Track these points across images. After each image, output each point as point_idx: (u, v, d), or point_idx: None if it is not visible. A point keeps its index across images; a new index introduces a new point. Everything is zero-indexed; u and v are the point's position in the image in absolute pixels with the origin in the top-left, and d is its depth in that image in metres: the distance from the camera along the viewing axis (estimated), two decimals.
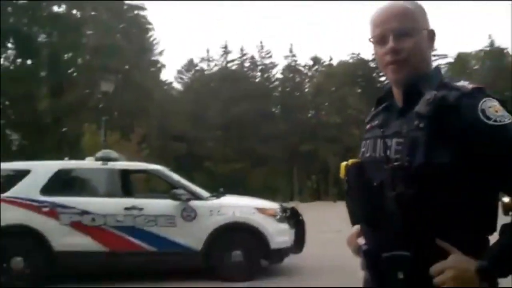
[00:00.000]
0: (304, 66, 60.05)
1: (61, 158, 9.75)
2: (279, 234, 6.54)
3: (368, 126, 1.50)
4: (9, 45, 20.91)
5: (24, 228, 6.15)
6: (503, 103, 1.20)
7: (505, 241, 1.14)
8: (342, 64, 59.97)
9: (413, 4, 1.36)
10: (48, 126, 18.66)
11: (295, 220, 7.04)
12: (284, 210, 7.10)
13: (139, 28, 42.96)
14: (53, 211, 6.27)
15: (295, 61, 58.26)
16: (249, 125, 50.95)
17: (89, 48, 30.82)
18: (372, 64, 57.61)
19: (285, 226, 6.74)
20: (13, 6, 21.30)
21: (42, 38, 22.08)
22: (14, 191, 6.40)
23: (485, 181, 1.17)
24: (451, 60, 54.85)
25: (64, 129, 20.44)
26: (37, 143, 17.70)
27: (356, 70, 58.02)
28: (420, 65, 1.32)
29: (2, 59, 20.62)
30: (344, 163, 1.41)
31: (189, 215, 6.39)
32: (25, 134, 18.91)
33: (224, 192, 7.36)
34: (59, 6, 22.76)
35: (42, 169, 6.75)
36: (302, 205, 40.42)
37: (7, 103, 19.34)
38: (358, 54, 59.02)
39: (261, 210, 6.61)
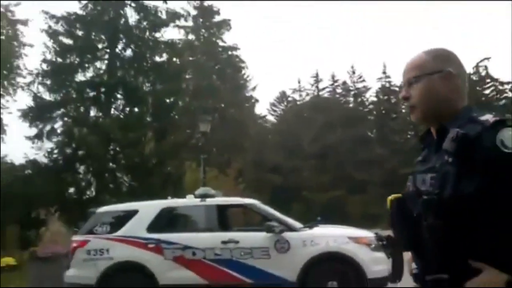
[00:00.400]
0: (399, 86, 58.25)
1: (166, 196, 10.53)
2: (375, 263, 6.40)
3: (416, 162, 1.66)
4: (118, 96, 23.05)
5: (133, 264, 6.72)
6: None
7: None
8: None
9: (428, 52, 1.57)
10: (153, 168, 20.12)
11: (391, 248, 6.84)
12: (379, 238, 6.94)
13: (233, 68, 45.10)
14: (158, 247, 6.78)
15: (389, 82, 56.67)
16: (345, 152, 50.17)
17: (189, 91, 33.03)
18: (475, 77, 54.29)
19: (381, 254, 6.58)
20: (120, 60, 23.59)
21: (146, 87, 23.99)
22: (124, 230, 7.04)
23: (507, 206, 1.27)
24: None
25: (168, 169, 21.89)
26: (144, 183, 19.15)
27: None
28: (435, 106, 1.49)
29: (112, 109, 22.77)
30: (389, 197, 1.51)
31: (283, 246, 6.52)
32: (134, 176, 20.55)
33: (322, 221, 7.42)
34: (160, 56, 24.67)
35: (148, 209, 7.36)
36: None
37: (117, 149, 21.23)
38: None
39: (355, 239, 6.55)
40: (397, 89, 58.05)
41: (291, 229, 6.69)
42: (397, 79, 68.15)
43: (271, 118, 61.79)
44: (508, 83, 53.03)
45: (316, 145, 50.96)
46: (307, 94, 59.14)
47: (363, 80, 56.37)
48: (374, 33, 74.66)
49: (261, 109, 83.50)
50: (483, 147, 1.29)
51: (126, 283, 6.61)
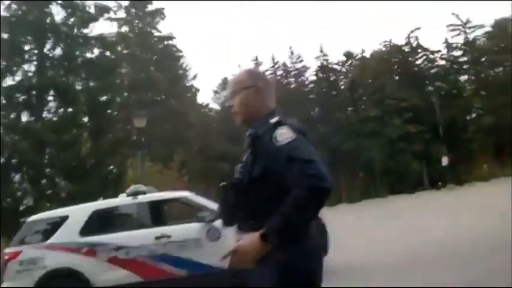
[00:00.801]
0: (337, 64, 59.60)
1: (107, 196, 10.50)
2: None
3: None
4: (50, 97, 22.33)
5: (66, 270, 6.75)
6: (296, 128, 1.84)
7: (280, 211, 1.67)
8: (376, 54, 58.98)
9: (246, 70, 2.17)
10: (92, 168, 19.77)
11: (316, 225, 7.28)
12: None
13: (170, 58, 44.51)
14: (92, 250, 6.82)
15: (327, 60, 57.93)
16: None
17: (125, 85, 32.33)
18: (406, 49, 56.44)
19: None
20: (50, 60, 22.77)
21: (79, 85, 23.36)
22: (56, 237, 7.02)
23: (279, 179, 1.75)
24: (489, 29, 52.84)
25: (109, 168, 21.57)
26: (83, 186, 18.80)
27: (390, 57, 56.94)
28: (249, 112, 2.00)
29: (45, 112, 22.05)
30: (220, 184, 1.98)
31: (214, 234, 6.73)
32: (72, 180, 20.10)
33: None
34: (92, 52, 24.03)
35: (79, 213, 7.35)
36: (347, 206, 39.98)
37: (53, 153, 20.67)
38: (391, 41, 57.94)
39: None
40: (335, 66, 59.47)
41: None
42: (334, 57, 69.71)
43: (215, 106, 61.66)
44: (438, 51, 55.65)
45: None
46: None
47: (302, 60, 57.29)
48: (309, 12, 75.81)
49: (205, 98, 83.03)
50: (264, 142, 1.81)
51: None
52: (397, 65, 56.62)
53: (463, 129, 52.71)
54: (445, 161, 34.79)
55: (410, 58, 56.24)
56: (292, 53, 57.65)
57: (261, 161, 1.82)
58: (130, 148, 23.45)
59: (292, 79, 57.60)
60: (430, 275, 5.94)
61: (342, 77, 59.98)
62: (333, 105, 53.80)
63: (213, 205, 7.39)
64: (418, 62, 56.46)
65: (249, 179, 1.84)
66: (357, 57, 59.85)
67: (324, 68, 57.61)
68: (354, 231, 13.60)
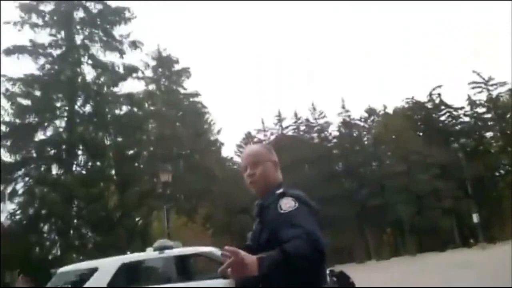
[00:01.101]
0: (359, 120, 59.99)
1: (133, 248, 10.64)
2: None
3: None
4: (79, 152, 23.05)
5: None
6: (298, 198, 2.07)
7: (282, 247, 1.84)
8: (398, 110, 59.20)
9: (262, 145, 2.43)
10: (118, 220, 20.04)
11: (344, 284, 7.20)
12: (332, 275, 7.30)
13: (195, 114, 45.67)
14: None
15: (349, 116, 58.40)
16: (313, 189, 50.65)
17: (152, 140, 33.17)
18: (429, 105, 56.57)
19: None
20: (80, 117, 23.69)
21: (107, 140, 24.07)
22: None
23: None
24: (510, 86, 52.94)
25: (135, 220, 21.80)
26: (110, 238, 19.00)
27: (413, 114, 57.04)
28: (267, 182, 2.23)
29: (74, 166, 22.72)
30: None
31: None
32: (99, 232, 20.37)
33: None
34: (120, 109, 24.91)
35: (108, 265, 7.48)
36: (376, 264, 38.77)
37: (81, 205, 21.08)
38: (413, 98, 58.34)
39: None
40: (358, 122, 59.82)
41: None
42: (356, 113, 70.01)
43: (238, 159, 62.15)
44: (461, 108, 55.59)
45: (283, 184, 51.29)
46: (272, 134, 60.11)
47: (324, 116, 57.91)
48: (331, 69, 77.50)
49: (229, 151, 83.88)
50: (270, 211, 2.07)
51: None
52: (420, 121, 56.58)
53: (492, 185, 51.54)
54: (476, 218, 33.84)
55: (433, 115, 56.21)
56: (314, 108, 58.42)
57: (267, 229, 2.06)
58: (156, 201, 23.78)
59: (315, 135, 57.96)
60: None
61: (365, 132, 60.15)
62: (357, 160, 53.57)
63: None
64: (442, 118, 56.35)
65: (257, 245, 2.04)
66: (380, 113, 60.21)
67: (346, 124, 57.94)
68: None
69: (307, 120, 58.53)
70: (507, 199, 50.59)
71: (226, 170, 50.78)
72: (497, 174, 53.61)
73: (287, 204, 2.03)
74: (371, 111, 61.68)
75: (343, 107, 62.94)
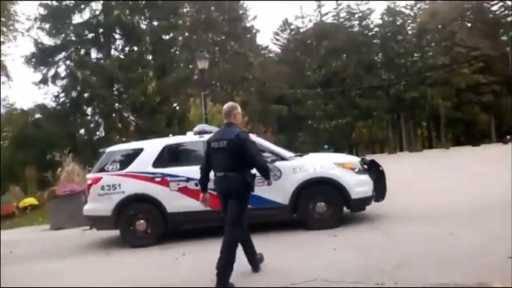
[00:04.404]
0: (405, 7, 56.54)
1: (172, 133, 11.18)
2: (359, 185, 7.03)
3: None
4: (117, 36, 23.10)
5: (143, 196, 7.47)
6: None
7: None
8: None
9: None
10: (158, 105, 20.63)
11: (375, 171, 7.49)
12: (364, 163, 7.58)
13: None
14: (164, 180, 7.43)
15: (394, 2, 55.16)
16: (350, 78, 49.99)
17: (187, 26, 32.69)
18: None
19: (364, 177, 7.22)
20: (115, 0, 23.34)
21: (144, 24, 23.89)
22: (133, 167, 7.69)
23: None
24: None
25: (173, 106, 22.44)
26: (150, 121, 19.77)
27: (464, 2, 53.20)
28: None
29: (112, 50, 22.97)
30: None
31: (275, 174, 7.10)
32: (139, 115, 21.16)
33: (330, 149, 7.99)
34: None
35: (152, 147, 7.94)
36: (406, 154, 39.16)
37: (121, 89, 21.69)
38: None
39: (340, 165, 7.11)
40: (403, 9, 56.40)
41: (283, 158, 7.26)
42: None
43: (275, 48, 60.95)
44: None
45: (320, 73, 50.71)
46: (310, 21, 57.83)
47: (367, 2, 54.82)
48: None
49: (265, 39, 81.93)
50: (238, 139, 4.45)
51: (139, 213, 7.40)
52: (470, 11, 52.88)
53: None
54: None
55: (485, 4, 52.32)
56: None
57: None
58: (194, 87, 24.18)
59: (356, 22, 55.37)
60: (483, 224, 6.01)
61: (409, 21, 56.92)
62: (399, 51, 51.63)
63: (273, 146, 7.75)
64: (494, 8, 52.43)
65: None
66: (427, 1, 56.36)
67: (390, 11, 54.82)
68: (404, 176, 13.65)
69: (349, 6, 55.62)
70: None
71: (261, 59, 50.26)
72: None
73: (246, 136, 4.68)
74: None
75: None
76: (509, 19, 51.44)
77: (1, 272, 6.08)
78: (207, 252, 6.12)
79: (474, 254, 4.66)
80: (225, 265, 4.29)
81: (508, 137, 42.50)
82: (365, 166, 7.50)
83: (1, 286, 5.57)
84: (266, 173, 4.56)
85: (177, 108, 23.21)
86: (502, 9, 52.12)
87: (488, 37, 48.55)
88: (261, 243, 6.28)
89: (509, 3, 51.13)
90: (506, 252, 4.47)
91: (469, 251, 4.78)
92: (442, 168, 17.01)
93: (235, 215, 4.56)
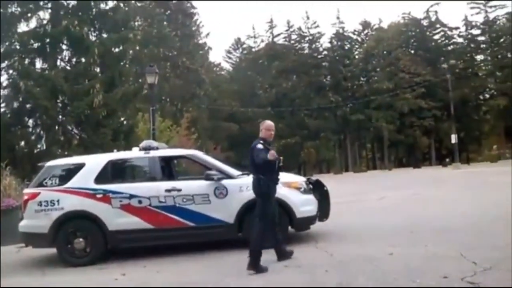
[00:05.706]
0: (353, 32, 58.73)
1: (117, 148, 10.87)
2: (304, 205, 7.13)
3: None
4: (64, 46, 22.41)
5: (82, 213, 7.18)
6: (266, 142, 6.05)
7: None
8: (393, 25, 58.05)
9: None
10: (103, 119, 20.05)
11: (320, 191, 7.62)
12: (309, 182, 7.69)
13: (184, 14, 44.06)
14: (106, 197, 7.19)
15: (343, 28, 57.09)
16: (300, 99, 51.04)
17: (138, 40, 32.22)
18: (425, 23, 55.38)
19: (309, 197, 7.33)
20: (64, 9, 22.67)
21: (93, 36, 23.33)
22: (73, 182, 7.39)
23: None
24: (510, 9, 51.73)
25: (120, 120, 21.87)
26: (95, 136, 19.17)
27: (407, 30, 56.04)
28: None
29: (58, 61, 22.21)
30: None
31: (221, 192, 7.11)
32: (84, 128, 20.47)
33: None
34: (106, 4, 23.85)
35: (95, 162, 7.69)
36: (352, 175, 40.36)
37: (66, 101, 20.95)
38: (409, 13, 56.96)
39: (286, 184, 7.16)
40: (351, 35, 58.55)
41: (230, 176, 7.26)
42: (350, 25, 67.86)
43: (227, 65, 61.36)
44: (456, 28, 54.61)
45: (271, 93, 51.48)
46: (262, 41, 58.84)
47: (317, 26, 56.48)
48: None
49: (217, 57, 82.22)
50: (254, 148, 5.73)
51: (78, 231, 7.08)
52: (413, 38, 55.77)
53: (475, 108, 52.40)
54: (454, 139, 34.97)
55: (427, 33, 55.34)
56: (308, 17, 56.77)
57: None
58: (141, 103, 23.71)
59: (306, 45, 56.94)
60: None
61: (357, 46, 59.27)
62: (346, 74, 53.42)
63: (220, 164, 7.72)
64: (436, 37, 55.57)
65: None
66: (374, 28, 58.91)
67: (339, 36, 56.82)
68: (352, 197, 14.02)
69: (299, 29, 57.12)
70: (488, 123, 51.82)
71: (213, 76, 50.33)
72: (481, 98, 54.21)
73: (258, 146, 5.77)
74: (365, 25, 60.28)
75: (338, 17, 61.17)
76: (449, 47, 54.69)
77: None
78: (147, 272, 5.97)
79: (412, 274, 4.79)
80: (254, 250, 5.54)
81: (447, 160, 44.77)
82: (311, 186, 7.62)
83: (1, 286, 5.39)
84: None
85: (124, 122, 22.63)
86: (443, 38, 55.34)
87: (429, 64, 51.33)
88: (207, 263, 6.17)
89: (449, 32, 54.45)
90: (443, 272, 4.65)
91: (408, 271, 4.93)
92: (382, 189, 17.58)
93: (259, 210, 5.82)
